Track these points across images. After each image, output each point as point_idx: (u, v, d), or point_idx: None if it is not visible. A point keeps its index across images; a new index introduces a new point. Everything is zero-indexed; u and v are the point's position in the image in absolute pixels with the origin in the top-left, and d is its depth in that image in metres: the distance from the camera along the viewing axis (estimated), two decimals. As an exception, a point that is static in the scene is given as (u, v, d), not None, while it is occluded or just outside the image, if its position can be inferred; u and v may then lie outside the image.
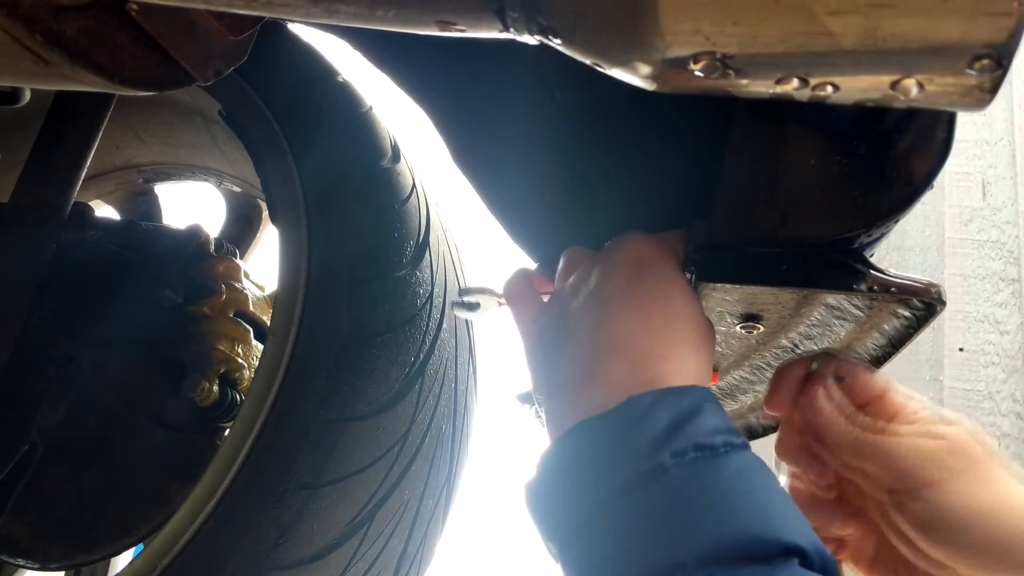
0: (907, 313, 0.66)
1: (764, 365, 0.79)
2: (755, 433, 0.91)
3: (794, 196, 0.63)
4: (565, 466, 0.56)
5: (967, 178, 2.93)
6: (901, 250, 2.95)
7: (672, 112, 0.76)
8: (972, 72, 0.39)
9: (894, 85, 0.42)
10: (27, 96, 1.09)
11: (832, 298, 0.66)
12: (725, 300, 0.68)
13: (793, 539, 0.47)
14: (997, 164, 2.93)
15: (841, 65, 0.42)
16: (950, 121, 0.59)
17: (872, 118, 0.61)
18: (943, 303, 0.62)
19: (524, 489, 0.59)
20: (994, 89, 0.40)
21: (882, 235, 0.64)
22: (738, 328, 0.72)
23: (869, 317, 0.68)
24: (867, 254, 0.65)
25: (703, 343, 0.62)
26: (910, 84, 0.42)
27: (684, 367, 0.59)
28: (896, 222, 0.62)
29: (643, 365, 0.58)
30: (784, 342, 0.75)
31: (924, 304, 0.64)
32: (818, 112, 0.62)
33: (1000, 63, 0.39)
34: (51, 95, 1.32)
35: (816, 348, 0.75)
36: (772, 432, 0.91)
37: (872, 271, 0.62)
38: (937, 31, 0.38)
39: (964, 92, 0.41)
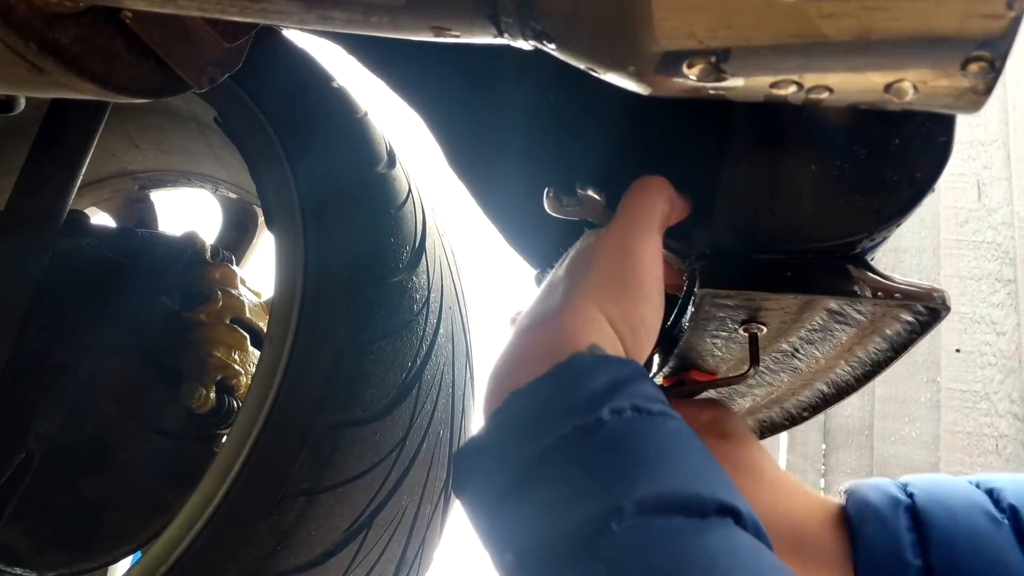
0: (911, 318, 0.66)
1: (764, 370, 0.79)
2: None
3: (795, 202, 0.63)
4: (499, 426, 0.55)
5: (962, 179, 2.94)
6: (897, 252, 2.96)
7: (669, 117, 0.76)
8: (966, 74, 0.40)
9: (888, 88, 0.42)
10: (22, 104, 1.09)
11: (834, 303, 0.66)
12: (727, 306, 0.68)
13: (729, 500, 0.48)
14: (992, 165, 2.94)
15: (835, 68, 0.42)
16: (950, 124, 0.59)
17: (872, 122, 0.61)
18: (948, 308, 0.62)
19: (456, 457, 0.58)
20: (988, 91, 0.41)
21: (884, 239, 0.64)
22: (739, 333, 0.72)
23: (872, 322, 0.68)
24: (868, 258, 0.65)
25: (643, 304, 0.62)
26: (904, 87, 0.42)
27: (599, 324, 0.59)
28: (898, 226, 0.62)
29: (580, 329, 0.58)
30: (784, 346, 0.75)
31: (929, 309, 0.64)
32: (817, 116, 0.62)
33: (993, 65, 0.39)
34: (46, 103, 1.32)
35: (816, 352, 0.75)
36: (770, 435, 0.91)
37: (875, 276, 0.62)
38: (930, 34, 0.38)
39: (958, 94, 0.41)
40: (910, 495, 0.62)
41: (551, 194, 0.72)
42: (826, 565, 0.60)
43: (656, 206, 0.65)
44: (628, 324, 0.60)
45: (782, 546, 0.60)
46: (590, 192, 0.70)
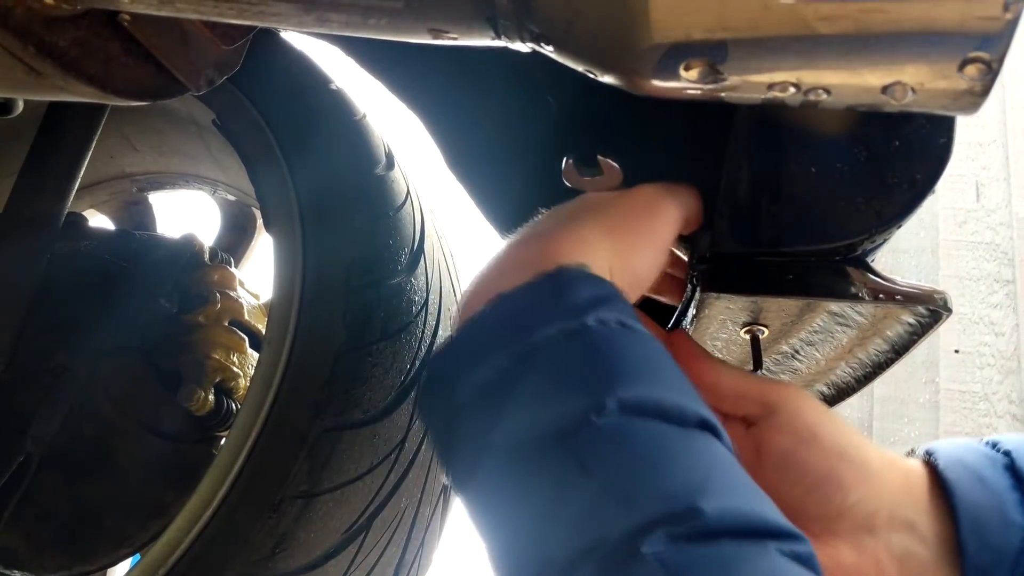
0: (912, 320, 0.66)
1: (764, 371, 0.79)
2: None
3: (796, 204, 0.63)
4: (483, 326, 0.53)
5: (961, 180, 2.95)
6: (896, 252, 2.96)
7: (668, 119, 0.76)
8: (963, 76, 0.40)
9: (886, 89, 0.42)
10: (20, 107, 1.09)
11: (836, 305, 0.66)
12: (728, 308, 0.68)
13: (711, 418, 0.47)
14: (990, 166, 2.95)
15: (833, 70, 0.42)
16: (950, 125, 0.59)
17: (872, 124, 0.61)
18: (949, 310, 0.62)
19: (431, 360, 0.56)
20: (985, 92, 0.41)
21: (884, 241, 0.64)
22: (741, 334, 0.72)
23: (872, 324, 0.68)
24: (869, 260, 0.65)
25: (650, 247, 0.61)
26: (902, 88, 0.42)
27: (597, 249, 0.58)
28: (899, 227, 0.62)
29: (573, 248, 0.57)
30: (785, 348, 0.75)
31: (930, 311, 0.64)
32: (817, 118, 0.62)
33: (991, 66, 0.39)
34: (44, 106, 1.32)
35: (817, 354, 0.75)
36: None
37: (877, 278, 0.62)
38: (928, 35, 0.38)
39: (956, 96, 0.41)
40: (1006, 453, 0.58)
41: (569, 163, 0.72)
42: (934, 533, 0.57)
43: (686, 202, 0.65)
44: (624, 267, 0.58)
45: (899, 523, 0.57)
46: (610, 161, 0.70)
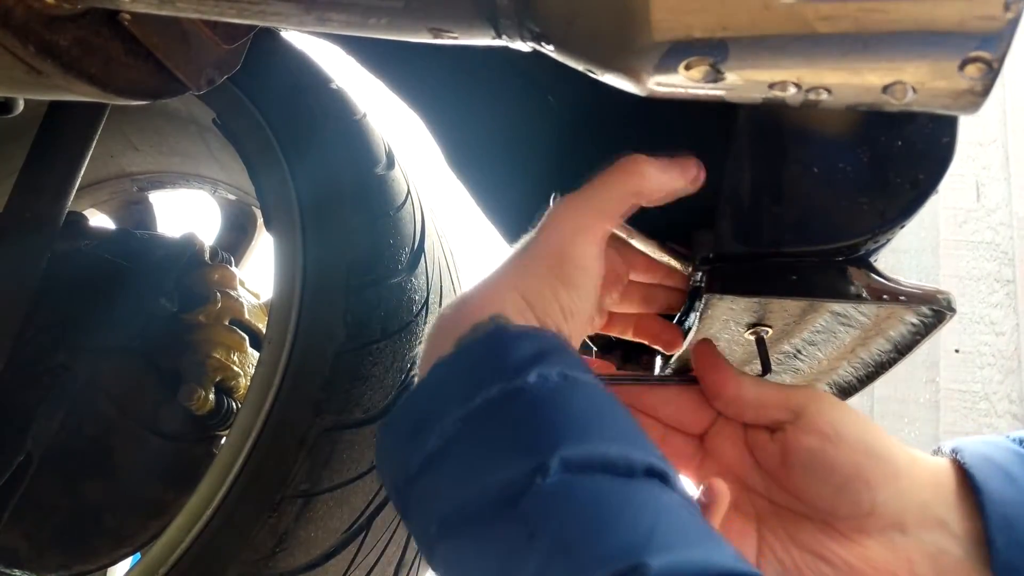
0: (915, 320, 0.66)
1: (769, 375, 0.79)
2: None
3: (798, 205, 0.63)
4: (423, 394, 0.54)
5: (961, 180, 2.94)
6: (896, 252, 2.96)
7: (669, 118, 0.76)
8: (964, 75, 0.40)
9: (886, 89, 0.42)
10: (20, 106, 1.09)
11: (838, 306, 0.66)
12: (731, 309, 0.68)
13: (659, 464, 0.47)
14: (991, 166, 2.95)
15: (833, 69, 0.42)
16: (952, 125, 0.59)
17: (874, 124, 0.61)
18: (953, 310, 0.62)
19: (379, 429, 0.56)
20: (986, 92, 0.41)
21: (887, 241, 0.63)
22: (744, 335, 0.72)
23: (875, 324, 0.68)
24: (872, 260, 0.65)
25: (575, 288, 0.59)
26: (902, 88, 0.42)
27: (524, 302, 0.57)
28: (902, 227, 0.62)
29: (488, 304, 0.56)
30: (787, 347, 0.75)
31: (933, 311, 0.64)
32: (820, 119, 0.62)
33: (991, 66, 0.39)
34: (45, 105, 1.32)
35: (819, 354, 0.75)
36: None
37: (880, 279, 0.62)
38: (928, 35, 0.38)
39: (956, 95, 0.41)
40: None
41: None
42: (963, 530, 0.57)
43: (615, 192, 0.62)
44: (557, 307, 0.58)
45: (930, 521, 0.58)
46: None
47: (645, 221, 0.73)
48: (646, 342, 0.75)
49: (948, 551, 0.57)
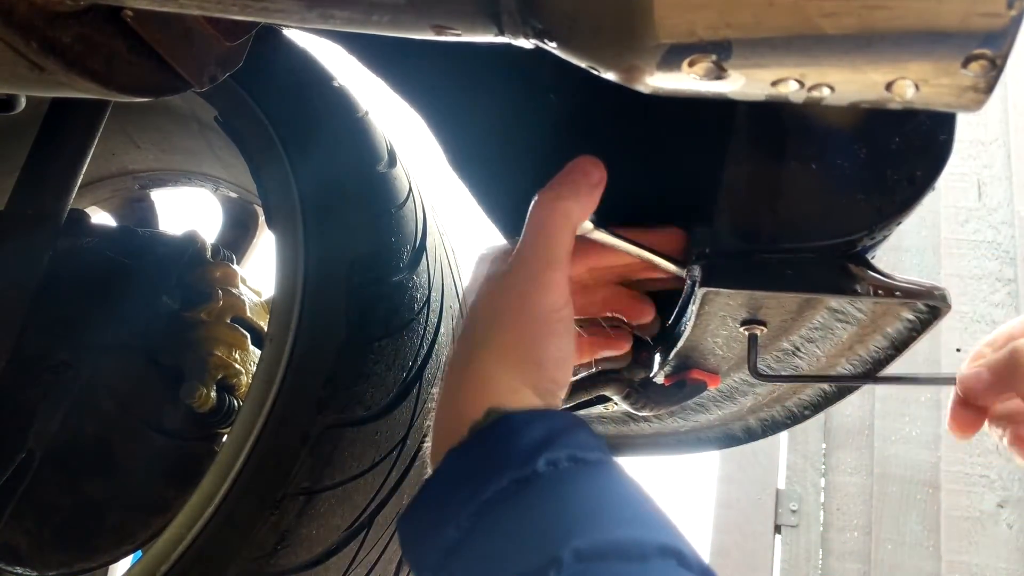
0: (911, 316, 0.66)
1: (765, 367, 0.79)
2: (753, 435, 0.91)
3: (795, 200, 0.63)
4: (438, 487, 0.56)
5: (963, 179, 2.94)
6: (898, 251, 2.96)
7: (670, 115, 0.76)
8: (967, 73, 0.40)
9: (889, 86, 0.42)
10: (22, 103, 1.09)
11: (835, 302, 0.66)
12: (728, 304, 0.68)
13: (672, 542, 0.47)
14: (992, 165, 2.94)
15: (836, 66, 0.42)
16: (950, 122, 0.59)
17: (872, 120, 0.61)
18: (948, 306, 0.62)
19: (399, 522, 0.58)
20: (989, 90, 0.41)
21: (884, 237, 0.64)
22: (741, 331, 0.72)
23: (872, 320, 0.68)
24: (869, 256, 0.65)
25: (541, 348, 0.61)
26: (905, 85, 0.42)
27: (516, 385, 0.59)
28: (898, 224, 0.62)
29: (488, 396, 0.58)
30: (785, 345, 0.75)
31: (929, 307, 0.64)
32: (818, 115, 0.62)
33: (995, 63, 0.39)
34: (47, 102, 1.32)
35: (818, 351, 0.75)
36: (772, 433, 0.91)
37: (876, 275, 0.62)
38: (932, 32, 0.38)
39: (959, 93, 0.41)
40: None
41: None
42: None
43: (556, 234, 0.63)
44: (542, 376, 0.60)
45: None
46: None
47: (641, 217, 0.73)
48: (617, 315, 0.76)
49: None
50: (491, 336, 0.61)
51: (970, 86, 0.41)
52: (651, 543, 0.47)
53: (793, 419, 0.88)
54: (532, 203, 0.65)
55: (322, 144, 1.27)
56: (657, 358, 0.79)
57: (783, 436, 3.04)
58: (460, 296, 1.41)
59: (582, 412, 0.81)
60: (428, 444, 0.63)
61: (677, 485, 3.38)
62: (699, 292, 0.65)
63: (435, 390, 0.69)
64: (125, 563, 1.55)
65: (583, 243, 0.67)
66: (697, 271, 0.65)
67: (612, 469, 0.53)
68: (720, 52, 0.42)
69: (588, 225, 0.65)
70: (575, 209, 0.64)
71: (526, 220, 0.65)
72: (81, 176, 1.31)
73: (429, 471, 0.59)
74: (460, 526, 0.51)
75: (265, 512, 1.09)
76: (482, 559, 0.49)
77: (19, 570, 1.42)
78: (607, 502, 0.50)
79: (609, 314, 0.75)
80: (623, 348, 0.76)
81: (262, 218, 1.90)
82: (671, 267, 0.70)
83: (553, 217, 0.63)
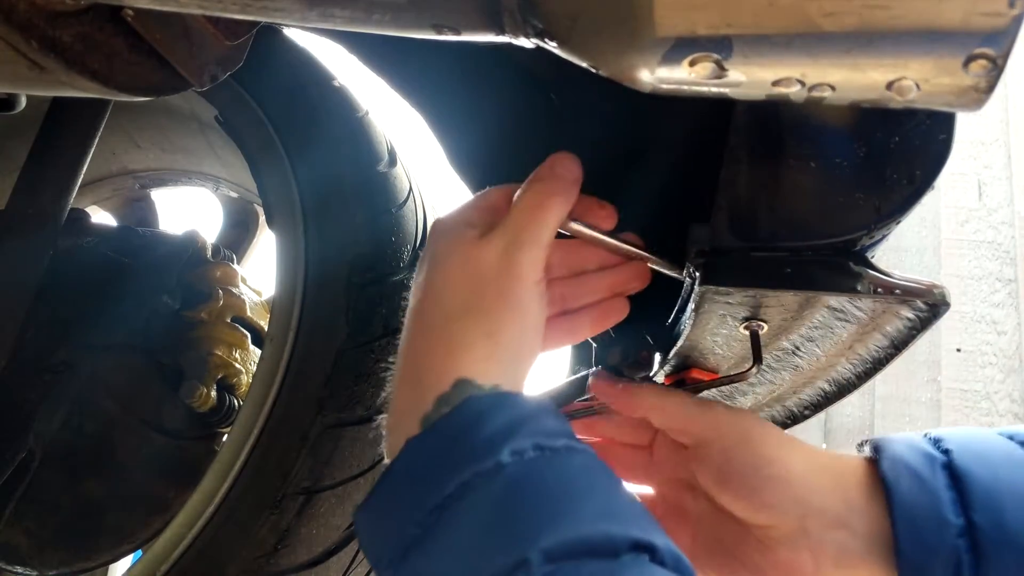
0: (911, 315, 0.66)
1: (765, 368, 0.79)
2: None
3: (795, 199, 0.63)
4: (397, 478, 0.53)
5: (963, 179, 2.95)
6: (898, 251, 2.96)
7: (670, 114, 0.76)
8: (968, 72, 0.40)
9: (890, 86, 0.42)
10: (23, 103, 1.09)
11: (835, 300, 0.66)
12: (727, 303, 0.68)
13: (643, 535, 0.46)
14: (993, 165, 2.95)
15: (837, 66, 0.42)
16: (950, 122, 0.59)
17: (872, 119, 0.61)
18: (947, 304, 0.62)
19: (356, 514, 0.55)
20: (990, 89, 0.41)
21: (884, 237, 0.64)
22: (740, 331, 0.72)
23: (872, 319, 0.68)
24: (869, 255, 0.65)
25: (506, 313, 0.59)
26: (906, 85, 0.42)
27: (489, 352, 0.57)
28: (898, 223, 0.62)
29: (447, 363, 0.56)
30: (785, 344, 0.75)
31: (928, 306, 0.64)
32: (818, 114, 0.62)
33: (996, 63, 0.39)
34: (47, 101, 1.32)
35: (817, 350, 0.75)
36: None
37: (875, 273, 0.62)
38: (932, 32, 0.38)
39: (960, 92, 0.41)
40: (946, 451, 0.60)
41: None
42: (867, 529, 0.59)
43: (546, 219, 0.62)
44: (514, 358, 0.58)
45: (829, 522, 0.60)
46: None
47: (639, 217, 0.73)
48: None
49: (850, 549, 0.60)
50: (469, 302, 0.59)
51: (971, 86, 0.41)
52: (622, 538, 0.45)
53: (793, 419, 0.88)
54: (520, 192, 0.65)
55: (322, 144, 1.27)
56: (657, 357, 0.79)
57: (783, 436, 3.04)
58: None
59: (582, 414, 0.81)
60: (385, 418, 0.60)
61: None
62: (698, 290, 0.65)
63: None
64: (125, 563, 1.55)
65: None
66: (696, 270, 0.65)
67: (578, 456, 0.52)
68: (721, 52, 0.42)
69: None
70: (564, 204, 0.64)
71: (514, 203, 0.64)
72: (81, 175, 1.31)
73: (386, 458, 0.57)
74: (421, 522, 0.49)
75: (265, 511, 1.09)
76: (445, 558, 0.47)
77: (19, 569, 1.42)
78: (575, 494, 0.48)
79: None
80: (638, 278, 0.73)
81: (262, 218, 1.90)
82: (653, 259, 0.70)
83: (545, 204, 0.63)
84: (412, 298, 0.63)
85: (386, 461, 0.57)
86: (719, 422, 0.67)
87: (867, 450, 0.64)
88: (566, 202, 0.64)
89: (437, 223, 0.66)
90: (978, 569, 0.54)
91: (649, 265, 0.71)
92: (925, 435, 0.63)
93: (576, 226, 0.67)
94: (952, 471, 0.58)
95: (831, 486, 0.62)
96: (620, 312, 0.72)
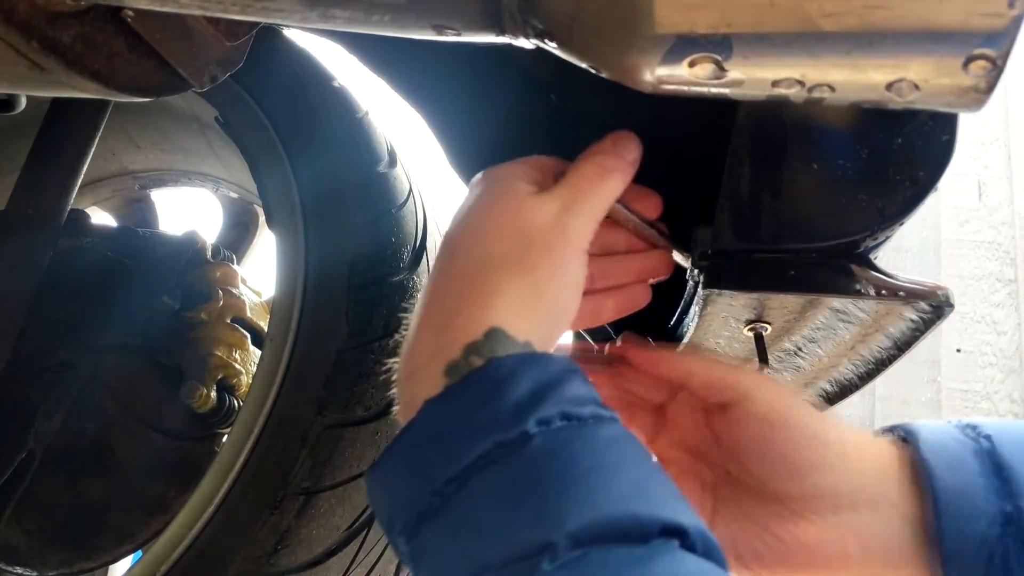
0: (914, 316, 0.66)
1: (767, 368, 0.79)
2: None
3: (797, 201, 0.63)
4: (414, 442, 0.50)
5: (963, 179, 2.94)
6: (898, 252, 2.96)
7: (670, 115, 0.76)
8: (968, 73, 0.40)
9: (890, 86, 0.42)
10: (23, 103, 1.09)
11: (838, 302, 0.66)
12: (730, 305, 0.68)
13: (673, 518, 0.43)
14: (993, 165, 2.95)
15: (837, 66, 0.42)
16: (952, 122, 0.59)
17: (874, 121, 0.61)
18: (951, 306, 0.62)
19: (369, 476, 0.52)
20: (990, 89, 0.41)
21: (887, 238, 0.63)
22: (743, 332, 0.72)
23: (875, 320, 0.68)
24: (872, 257, 0.65)
25: (545, 267, 0.56)
26: (906, 85, 0.42)
27: (529, 307, 0.54)
28: (901, 225, 0.62)
29: (469, 315, 0.53)
30: (787, 345, 0.75)
31: (932, 307, 0.64)
32: (820, 115, 0.62)
33: (996, 63, 0.39)
34: (47, 102, 1.32)
35: (820, 351, 0.75)
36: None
37: (878, 275, 0.62)
38: (932, 32, 0.38)
39: (960, 93, 0.41)
40: (987, 437, 0.58)
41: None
42: (903, 513, 0.58)
43: (605, 188, 0.61)
44: (550, 316, 0.56)
45: (862, 501, 0.58)
46: None
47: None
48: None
49: (880, 533, 0.58)
50: (512, 253, 0.56)
51: (971, 86, 0.41)
52: (653, 521, 0.43)
53: (793, 419, 0.88)
54: (581, 161, 0.63)
55: (322, 144, 1.27)
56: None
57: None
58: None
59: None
60: (399, 364, 0.56)
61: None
62: (701, 293, 0.65)
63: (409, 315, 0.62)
64: (125, 563, 1.55)
65: None
66: (698, 272, 0.65)
67: (605, 427, 0.49)
68: (721, 52, 0.42)
69: None
70: (622, 183, 0.63)
71: (573, 169, 0.62)
72: (81, 176, 1.31)
73: (399, 408, 0.54)
74: (437, 492, 0.46)
75: (265, 512, 1.09)
76: (461, 533, 0.44)
77: (19, 570, 1.42)
78: (603, 470, 0.45)
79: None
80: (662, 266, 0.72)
81: (262, 218, 1.90)
82: (675, 252, 0.70)
83: (606, 178, 0.62)
84: (445, 243, 0.60)
85: (397, 410, 0.55)
86: (763, 383, 0.64)
87: (897, 434, 0.62)
88: (623, 181, 0.63)
89: (487, 172, 0.63)
90: None
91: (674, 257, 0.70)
92: (958, 422, 0.61)
93: (620, 207, 0.66)
94: (994, 458, 0.56)
95: (874, 466, 0.60)
96: (644, 298, 0.70)
